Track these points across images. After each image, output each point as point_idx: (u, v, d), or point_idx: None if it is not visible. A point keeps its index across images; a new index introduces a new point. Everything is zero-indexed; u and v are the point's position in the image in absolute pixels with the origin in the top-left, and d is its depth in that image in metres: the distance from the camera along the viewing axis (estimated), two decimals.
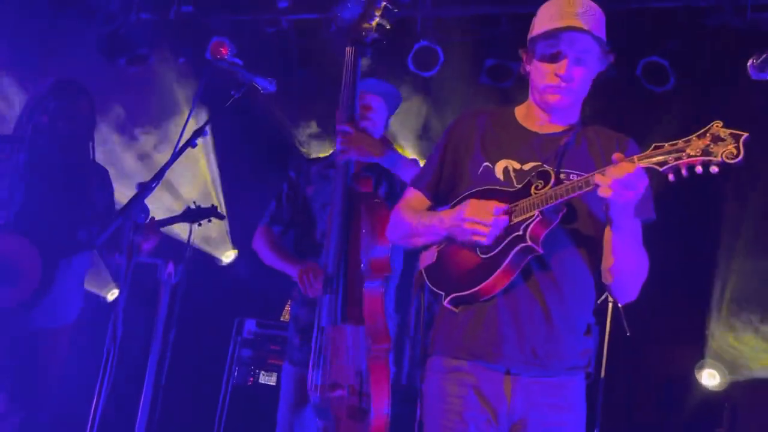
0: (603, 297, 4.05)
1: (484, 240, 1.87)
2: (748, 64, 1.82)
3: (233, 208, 5.44)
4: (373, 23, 2.67)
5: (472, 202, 1.90)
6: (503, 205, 1.88)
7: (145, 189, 2.51)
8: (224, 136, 5.48)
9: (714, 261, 4.28)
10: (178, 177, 5.33)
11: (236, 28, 5.07)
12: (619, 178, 1.66)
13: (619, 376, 4.28)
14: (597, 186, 1.72)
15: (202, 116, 2.79)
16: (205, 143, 5.44)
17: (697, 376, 4.33)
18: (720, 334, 4.33)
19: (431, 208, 2.14)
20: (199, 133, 2.68)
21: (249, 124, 5.46)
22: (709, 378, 4.30)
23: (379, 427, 2.52)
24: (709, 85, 4.44)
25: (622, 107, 4.49)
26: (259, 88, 2.87)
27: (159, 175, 2.57)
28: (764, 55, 1.78)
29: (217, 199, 5.47)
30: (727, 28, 4.20)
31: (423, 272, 2.08)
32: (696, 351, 4.37)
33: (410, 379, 4.65)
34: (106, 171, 3.50)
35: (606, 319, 4.05)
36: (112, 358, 2.33)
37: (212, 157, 5.50)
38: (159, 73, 5.15)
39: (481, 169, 2.02)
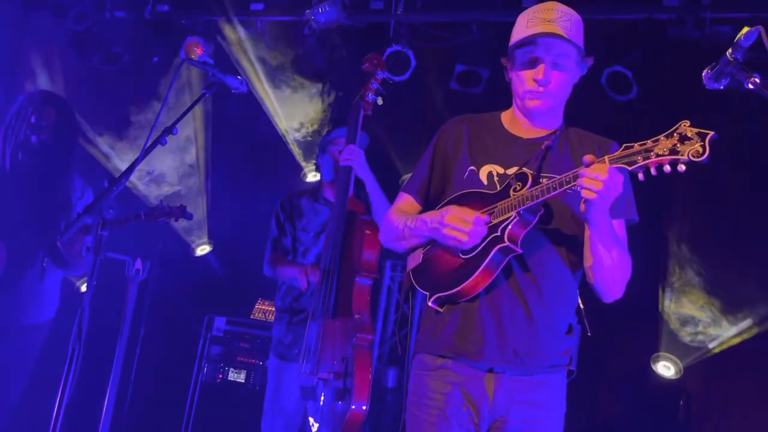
0: None
1: (462, 246, 1.89)
2: (703, 74, 1.84)
3: (216, 202, 5.41)
4: (374, 89, 3.24)
5: (453, 208, 1.91)
6: (484, 216, 1.88)
7: (113, 185, 2.46)
8: (218, 136, 5.46)
9: (659, 254, 4.40)
10: (166, 167, 5.29)
11: (211, 29, 5.02)
12: (594, 179, 1.68)
13: (580, 371, 4.33)
14: (574, 187, 1.73)
15: (173, 114, 2.71)
16: (196, 138, 5.39)
17: (654, 368, 4.40)
18: (670, 326, 4.43)
19: (421, 212, 2.16)
20: (169, 130, 2.63)
21: (243, 125, 5.44)
22: (665, 369, 4.38)
23: (359, 410, 2.73)
24: (670, 95, 4.51)
25: (588, 114, 4.53)
26: (231, 87, 2.82)
27: (127, 173, 2.52)
28: (718, 66, 1.80)
29: (205, 189, 5.42)
30: (688, 41, 4.28)
31: (410, 274, 2.10)
32: (652, 344, 4.45)
33: (377, 377, 4.66)
34: (86, 180, 3.52)
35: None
36: (77, 355, 2.28)
37: (201, 152, 5.45)
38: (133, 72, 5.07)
39: (466, 174, 2.04)
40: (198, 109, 5.31)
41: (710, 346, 4.31)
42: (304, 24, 4.86)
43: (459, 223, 1.86)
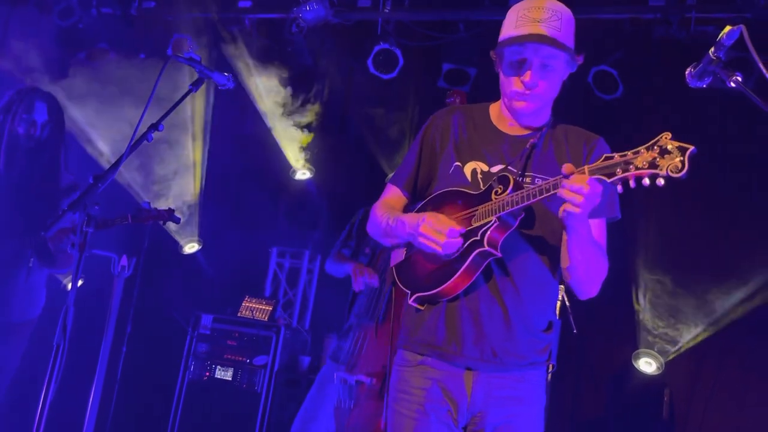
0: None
1: (439, 252, 1.88)
2: (686, 72, 1.85)
3: (211, 201, 5.39)
4: None
5: (429, 217, 1.90)
6: (459, 228, 1.88)
7: (98, 182, 2.43)
8: (209, 134, 5.45)
9: (629, 251, 4.46)
10: (158, 164, 5.28)
11: (198, 26, 5.00)
12: (575, 192, 1.68)
13: (563, 370, 4.37)
14: (555, 194, 1.73)
15: (158, 111, 2.69)
16: (188, 136, 5.39)
17: (636, 365, 4.44)
18: (646, 323, 4.48)
19: (409, 205, 2.16)
20: (154, 127, 2.61)
21: (233, 122, 5.42)
22: (647, 365, 4.42)
23: None
24: (656, 94, 4.54)
25: (574, 113, 4.56)
26: (218, 84, 2.80)
27: (113, 169, 2.50)
28: (701, 65, 1.80)
29: (201, 186, 5.41)
30: (673, 41, 4.31)
31: (393, 270, 2.10)
32: (632, 341, 4.50)
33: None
34: (74, 178, 3.51)
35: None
36: (61, 352, 2.26)
37: (192, 151, 5.44)
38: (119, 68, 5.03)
39: (452, 169, 2.03)
40: (191, 107, 5.32)
41: (685, 339, 4.38)
42: (292, 22, 4.85)
43: (433, 235, 1.86)
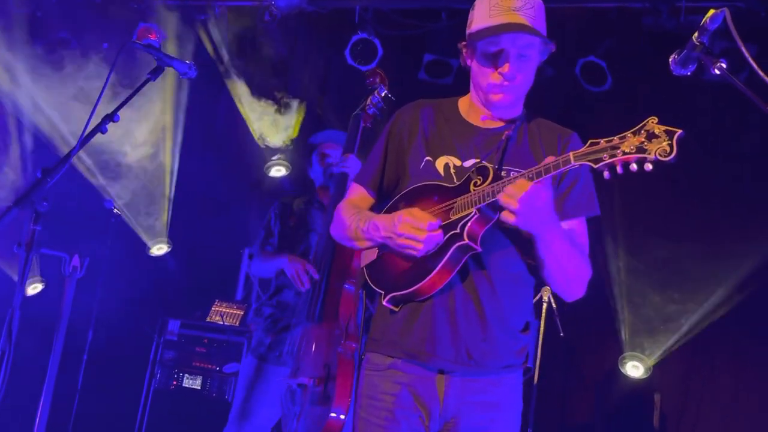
0: (537, 296, 4.16)
1: (416, 254, 1.85)
2: (670, 59, 1.83)
3: (182, 199, 5.31)
4: (375, 103, 3.44)
5: (405, 215, 1.85)
6: (436, 220, 1.84)
7: (46, 176, 2.37)
8: (191, 133, 5.40)
9: (606, 254, 4.48)
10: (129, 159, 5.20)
11: (165, 13, 4.93)
12: (511, 196, 1.69)
13: (551, 376, 4.36)
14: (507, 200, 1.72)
15: (116, 100, 2.64)
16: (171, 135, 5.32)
17: (622, 370, 4.45)
18: (630, 325, 4.50)
19: (375, 205, 2.12)
20: (109, 118, 2.55)
21: (205, 116, 5.37)
22: (634, 369, 4.44)
23: (337, 418, 2.74)
24: (646, 86, 4.54)
25: (561, 105, 4.56)
26: (179, 72, 2.75)
27: (62, 163, 2.43)
28: (684, 51, 1.78)
29: (169, 187, 5.34)
30: (663, 31, 4.31)
31: (364, 270, 2.05)
32: (618, 345, 4.52)
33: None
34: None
35: (540, 320, 4.11)
36: (7, 359, 2.19)
37: (176, 147, 5.38)
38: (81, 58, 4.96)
39: (422, 164, 2.00)
40: (162, 101, 5.27)
41: (674, 339, 4.40)
42: (265, 9, 4.80)
43: (413, 232, 1.82)
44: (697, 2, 4.21)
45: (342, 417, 2.71)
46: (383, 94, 3.46)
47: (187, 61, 2.75)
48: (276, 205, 3.70)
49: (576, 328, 4.24)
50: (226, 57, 5.24)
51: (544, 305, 4.19)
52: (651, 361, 4.40)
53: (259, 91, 5.35)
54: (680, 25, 4.17)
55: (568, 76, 4.55)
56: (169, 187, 5.42)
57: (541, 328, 4.09)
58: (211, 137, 5.51)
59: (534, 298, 4.19)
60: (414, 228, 1.82)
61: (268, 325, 3.46)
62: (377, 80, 3.46)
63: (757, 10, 4.03)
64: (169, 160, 5.41)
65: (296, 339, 3.10)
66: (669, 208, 4.45)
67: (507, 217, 1.72)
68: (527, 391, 3.98)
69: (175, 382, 4.53)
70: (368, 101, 3.42)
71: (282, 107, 5.35)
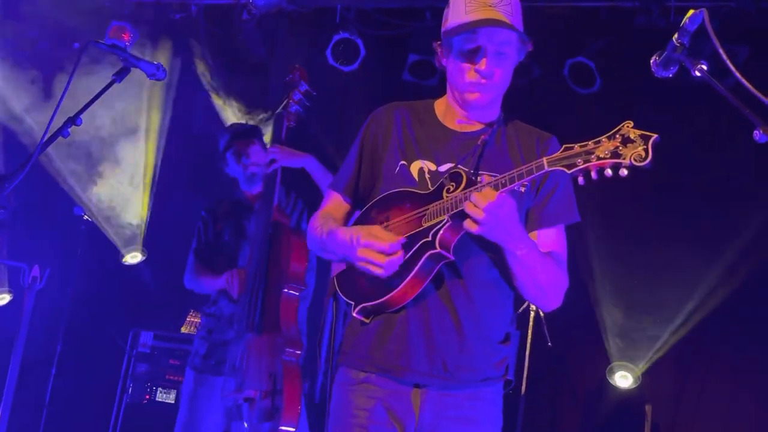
0: (525, 306, 4.12)
1: (379, 273, 1.81)
2: (651, 61, 1.80)
3: (160, 207, 5.25)
4: (297, 100, 3.38)
5: (364, 236, 1.82)
6: (399, 238, 1.82)
7: (4, 182, 2.31)
8: (169, 136, 5.37)
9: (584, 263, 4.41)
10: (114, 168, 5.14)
11: (139, 12, 4.89)
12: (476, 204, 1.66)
13: (539, 386, 4.33)
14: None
15: (77, 103, 2.58)
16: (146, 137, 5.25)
17: (611, 380, 4.42)
18: (614, 334, 4.50)
19: (351, 211, 2.11)
20: (71, 121, 2.49)
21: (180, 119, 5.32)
22: (622, 379, 4.42)
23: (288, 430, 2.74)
24: (636, 87, 4.51)
25: (548, 108, 4.53)
26: (147, 74, 2.70)
27: (21, 169, 2.37)
28: (665, 53, 1.75)
29: (150, 193, 5.29)
30: (654, 30, 4.28)
31: (334, 280, 2.02)
32: (604, 356, 4.51)
33: (323, 396, 4.57)
34: None
35: (527, 330, 4.08)
36: None
37: (156, 153, 5.33)
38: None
39: (397, 169, 1.98)
40: (142, 104, 5.23)
41: (654, 349, 4.41)
42: (243, 8, 4.76)
43: (373, 256, 1.80)
44: (687, 2, 4.19)
45: (294, 428, 2.72)
46: (304, 91, 3.39)
47: (156, 62, 2.70)
48: (203, 215, 3.63)
49: (565, 338, 4.21)
50: (203, 58, 5.19)
51: (532, 314, 4.16)
52: (639, 370, 4.39)
53: (238, 93, 5.30)
54: (671, 24, 4.15)
55: (555, 77, 4.52)
56: (147, 194, 5.36)
57: (529, 338, 4.07)
58: (189, 139, 5.45)
59: (520, 308, 4.21)
60: (373, 253, 1.80)
61: (203, 335, 3.41)
62: (297, 76, 3.38)
63: (749, 10, 4.01)
64: (150, 161, 5.36)
65: (238, 352, 3.04)
66: (657, 212, 4.44)
67: (469, 226, 1.69)
68: (514, 403, 3.95)
69: (147, 397, 4.48)
70: (290, 99, 3.35)
71: (257, 113, 5.31)
